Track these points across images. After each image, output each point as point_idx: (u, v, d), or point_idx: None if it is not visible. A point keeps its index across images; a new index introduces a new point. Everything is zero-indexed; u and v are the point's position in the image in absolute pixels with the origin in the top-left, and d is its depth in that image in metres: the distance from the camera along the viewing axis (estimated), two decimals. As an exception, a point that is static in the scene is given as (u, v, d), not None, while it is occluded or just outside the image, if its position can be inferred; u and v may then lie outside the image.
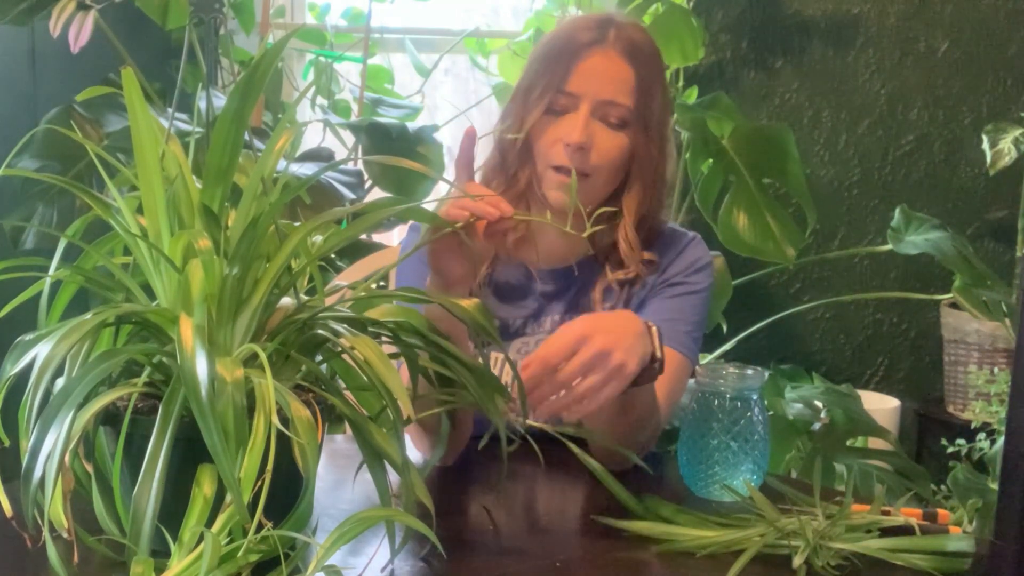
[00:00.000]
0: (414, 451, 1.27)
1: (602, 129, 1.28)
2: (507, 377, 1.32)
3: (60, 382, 0.83)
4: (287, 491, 0.83)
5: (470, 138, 1.11)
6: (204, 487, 0.80)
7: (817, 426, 2.06)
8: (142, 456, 0.78)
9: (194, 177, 0.93)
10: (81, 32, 1.82)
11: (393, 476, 0.88)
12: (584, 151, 1.26)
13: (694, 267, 1.36)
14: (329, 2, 2.63)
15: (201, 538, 0.77)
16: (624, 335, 1.06)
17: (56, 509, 0.84)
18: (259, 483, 0.76)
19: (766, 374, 1.15)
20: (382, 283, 1.72)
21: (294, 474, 0.81)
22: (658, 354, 1.10)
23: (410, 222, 1.44)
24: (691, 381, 1.21)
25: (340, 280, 1.33)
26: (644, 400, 1.17)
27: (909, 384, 2.79)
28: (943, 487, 2.02)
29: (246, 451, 0.77)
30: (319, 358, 0.95)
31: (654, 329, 1.10)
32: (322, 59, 2.47)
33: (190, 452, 0.80)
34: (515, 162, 1.31)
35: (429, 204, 1.05)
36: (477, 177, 1.40)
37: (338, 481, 1.16)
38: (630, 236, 1.32)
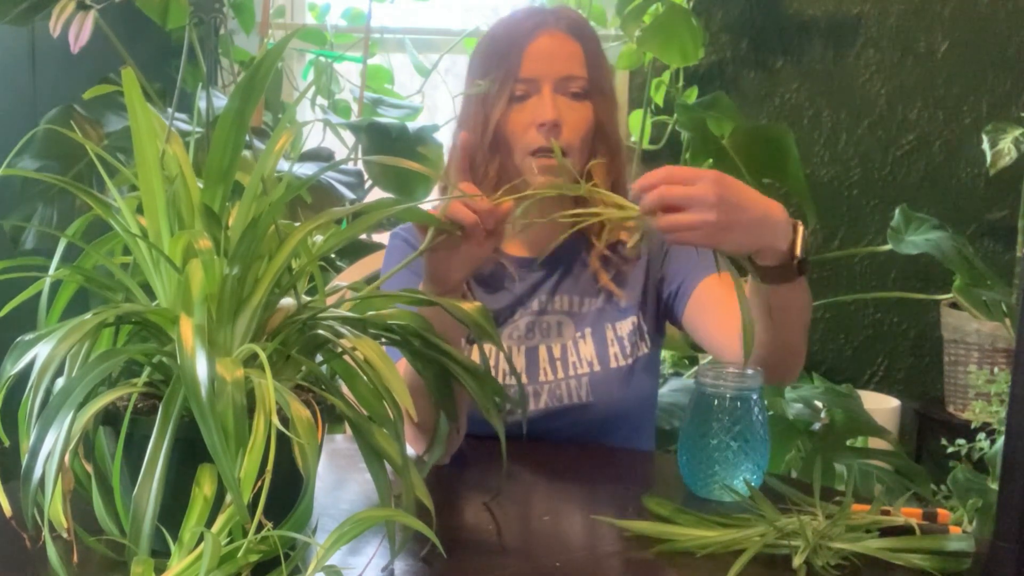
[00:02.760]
0: (412, 451, 1.28)
1: (567, 104, 1.31)
2: (508, 379, 1.33)
3: (60, 382, 0.83)
4: (287, 491, 0.83)
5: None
6: (204, 487, 0.80)
7: (817, 426, 2.06)
8: (142, 456, 0.78)
9: (194, 177, 0.93)
10: (81, 32, 1.82)
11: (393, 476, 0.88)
12: (558, 127, 1.30)
13: None
14: (329, 2, 2.63)
15: (201, 538, 0.77)
16: (741, 208, 1.05)
17: (56, 509, 0.84)
18: (259, 483, 0.76)
19: (766, 374, 1.16)
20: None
21: (294, 474, 0.81)
22: (797, 252, 1.08)
23: (392, 230, 1.46)
24: (691, 381, 1.22)
25: (340, 280, 1.33)
26: (788, 302, 1.15)
27: (909, 384, 2.79)
28: (943, 487, 2.02)
29: (246, 451, 0.77)
30: (319, 358, 0.95)
31: (800, 228, 1.09)
32: (322, 59, 2.47)
33: (190, 452, 0.80)
34: (484, 160, 1.33)
35: (429, 204, 1.06)
36: (440, 187, 1.44)
37: (338, 481, 1.16)
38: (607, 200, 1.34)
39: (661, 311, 1.40)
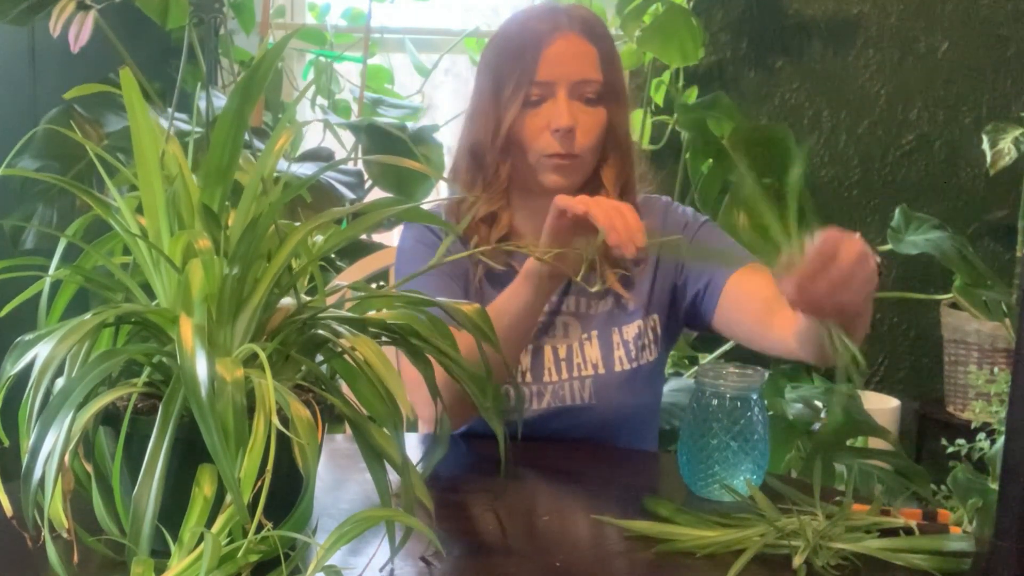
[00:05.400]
0: (414, 450, 1.28)
1: (581, 109, 1.31)
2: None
3: (60, 382, 0.83)
4: (287, 491, 0.83)
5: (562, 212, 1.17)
6: (204, 487, 0.80)
7: (817, 426, 2.06)
8: (142, 456, 0.78)
9: (194, 177, 0.93)
10: (81, 32, 1.82)
11: (393, 476, 0.88)
12: (572, 133, 1.30)
13: (687, 223, 1.39)
14: (329, 2, 2.63)
15: (201, 538, 0.77)
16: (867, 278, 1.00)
17: (56, 509, 0.84)
18: (259, 483, 0.76)
19: (766, 374, 1.15)
20: (382, 283, 1.72)
21: (294, 474, 0.81)
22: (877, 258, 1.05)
23: (405, 231, 1.46)
24: (691, 381, 1.22)
25: (340, 280, 1.34)
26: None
27: (909, 384, 2.79)
28: (943, 487, 2.02)
29: (246, 451, 0.77)
30: (319, 358, 0.95)
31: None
32: (322, 59, 2.47)
33: (190, 452, 0.80)
34: (495, 161, 1.34)
35: (429, 204, 1.06)
36: (446, 190, 1.45)
37: (338, 481, 1.16)
38: None
39: (681, 315, 1.39)
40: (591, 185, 1.35)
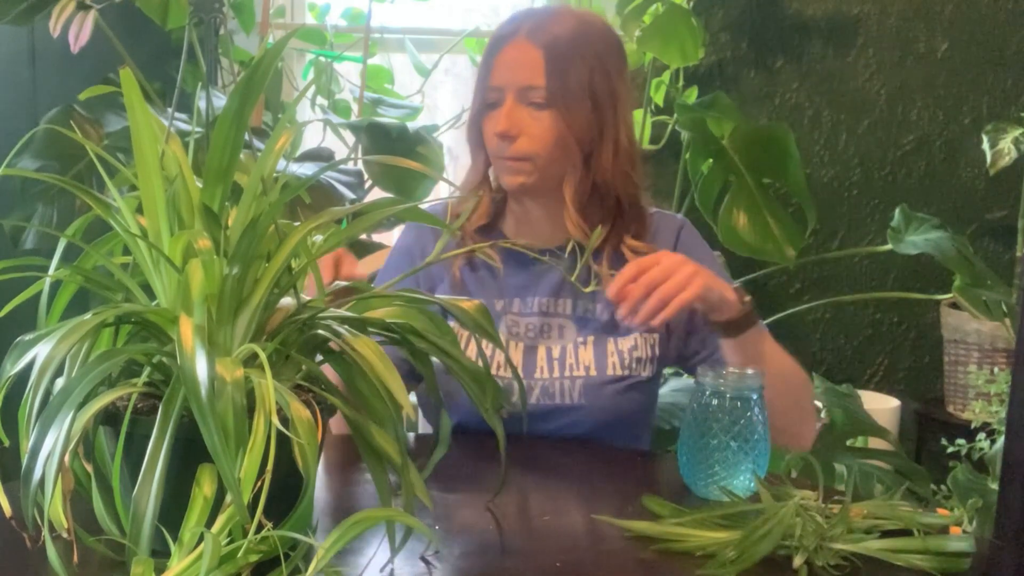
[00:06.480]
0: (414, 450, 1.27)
1: (529, 114, 1.33)
2: (503, 370, 1.33)
3: (60, 382, 0.83)
4: (287, 491, 0.83)
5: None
6: (204, 487, 0.80)
7: (817, 426, 2.06)
8: (142, 456, 0.78)
9: (194, 177, 0.93)
10: (81, 32, 1.82)
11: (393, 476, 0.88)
12: (510, 138, 1.33)
13: (694, 251, 1.38)
14: (329, 2, 2.63)
15: (201, 538, 0.77)
16: (688, 263, 1.20)
17: (56, 509, 0.84)
18: (259, 483, 0.76)
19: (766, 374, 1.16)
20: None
21: (294, 474, 0.81)
22: (744, 297, 1.23)
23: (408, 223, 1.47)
24: (691, 381, 1.22)
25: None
26: (770, 354, 1.28)
27: (909, 384, 2.79)
28: (943, 487, 2.02)
29: (246, 451, 0.77)
30: (319, 358, 0.95)
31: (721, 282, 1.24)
32: (322, 59, 2.47)
33: (190, 452, 0.80)
34: (476, 155, 1.41)
35: (429, 204, 1.06)
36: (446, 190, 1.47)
37: (338, 481, 1.16)
38: (573, 217, 1.35)
39: (674, 354, 1.41)
40: (557, 190, 1.36)
